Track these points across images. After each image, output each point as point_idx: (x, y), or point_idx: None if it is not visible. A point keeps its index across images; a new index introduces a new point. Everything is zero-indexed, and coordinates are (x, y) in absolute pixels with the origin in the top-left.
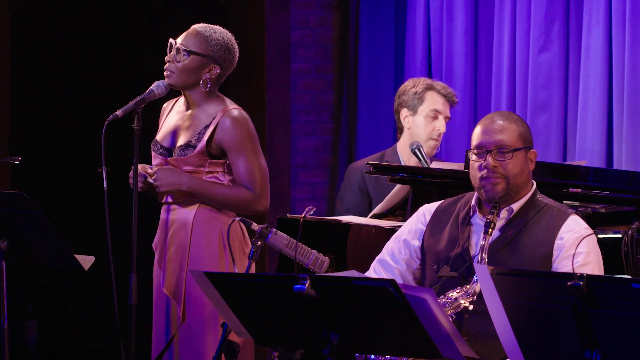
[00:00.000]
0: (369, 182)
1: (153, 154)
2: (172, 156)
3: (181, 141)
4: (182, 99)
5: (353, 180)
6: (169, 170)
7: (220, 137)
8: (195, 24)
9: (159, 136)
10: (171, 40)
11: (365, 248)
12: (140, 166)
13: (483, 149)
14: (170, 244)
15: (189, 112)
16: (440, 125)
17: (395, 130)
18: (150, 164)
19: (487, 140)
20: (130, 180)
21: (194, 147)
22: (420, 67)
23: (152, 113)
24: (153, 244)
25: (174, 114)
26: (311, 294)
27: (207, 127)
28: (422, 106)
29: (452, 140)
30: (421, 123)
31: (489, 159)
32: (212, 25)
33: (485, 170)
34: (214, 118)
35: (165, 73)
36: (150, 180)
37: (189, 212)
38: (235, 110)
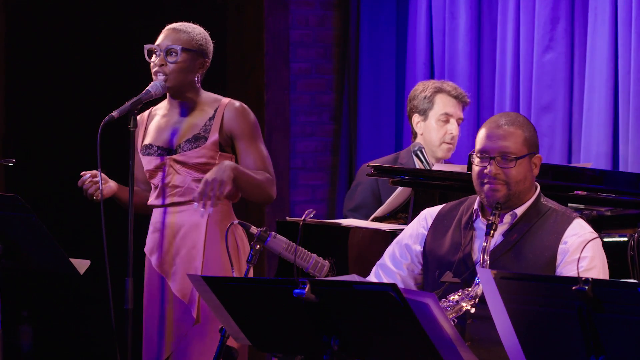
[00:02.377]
0: (382, 185)
1: (148, 158)
2: (174, 154)
3: (186, 136)
4: (160, 106)
5: (366, 181)
6: (214, 169)
7: (230, 127)
8: (193, 23)
9: (149, 140)
10: (150, 45)
11: (366, 252)
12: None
13: (486, 155)
14: (179, 246)
15: (181, 111)
16: (453, 128)
17: (398, 132)
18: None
19: (491, 145)
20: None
21: (205, 138)
22: (422, 67)
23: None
24: (147, 249)
25: (160, 118)
26: (311, 299)
27: (211, 118)
28: (432, 110)
29: None
30: (433, 128)
31: (492, 166)
32: (185, 22)
33: (487, 176)
34: (215, 110)
35: (160, 78)
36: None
37: (201, 214)
38: (234, 101)
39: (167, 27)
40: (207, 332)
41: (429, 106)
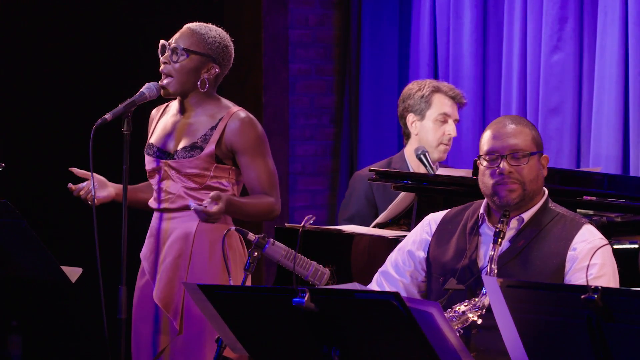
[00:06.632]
0: (377, 191)
1: (147, 158)
2: (170, 159)
3: (184, 143)
4: (173, 104)
5: (359, 189)
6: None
7: (231, 140)
8: (188, 22)
9: (152, 140)
10: (163, 41)
11: (368, 259)
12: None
13: (496, 154)
14: (166, 254)
15: (187, 115)
16: (451, 129)
17: (400, 135)
18: (145, 169)
19: (500, 144)
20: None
21: (201, 148)
22: (425, 68)
23: (142, 117)
24: (141, 254)
25: (168, 118)
26: (311, 308)
27: (213, 128)
28: (430, 110)
29: (459, 144)
30: (430, 128)
31: (504, 164)
32: (206, 24)
33: (501, 176)
34: (219, 120)
35: (163, 79)
36: (210, 209)
37: (190, 222)
38: (241, 111)
39: (185, 26)
40: (192, 347)
41: (426, 106)
